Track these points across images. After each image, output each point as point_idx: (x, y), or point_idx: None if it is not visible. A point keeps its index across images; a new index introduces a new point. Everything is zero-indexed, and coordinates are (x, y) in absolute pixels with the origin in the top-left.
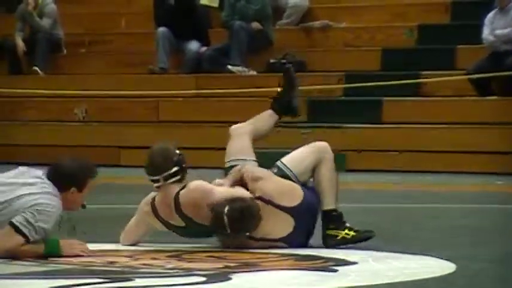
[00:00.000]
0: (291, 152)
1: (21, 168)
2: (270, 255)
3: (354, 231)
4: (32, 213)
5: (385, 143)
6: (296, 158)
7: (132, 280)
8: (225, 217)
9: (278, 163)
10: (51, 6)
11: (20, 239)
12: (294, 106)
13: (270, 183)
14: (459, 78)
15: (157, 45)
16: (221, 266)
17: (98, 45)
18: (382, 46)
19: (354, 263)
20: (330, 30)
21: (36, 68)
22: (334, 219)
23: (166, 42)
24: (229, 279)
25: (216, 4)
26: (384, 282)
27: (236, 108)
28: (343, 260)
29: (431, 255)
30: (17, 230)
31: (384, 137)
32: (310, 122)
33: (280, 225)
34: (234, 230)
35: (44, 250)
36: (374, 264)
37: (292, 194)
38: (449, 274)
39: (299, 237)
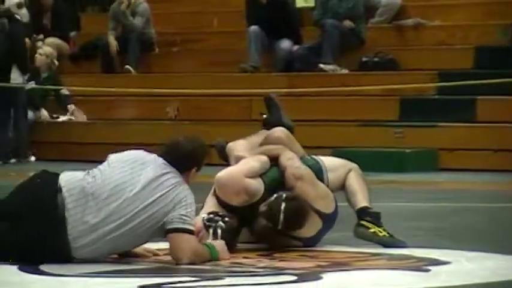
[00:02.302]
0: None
1: (132, 156)
2: (361, 255)
3: (388, 233)
4: (185, 208)
5: (478, 142)
6: (332, 163)
7: (222, 279)
8: (282, 214)
9: (317, 158)
10: (143, 6)
11: (193, 238)
12: (286, 122)
13: (310, 185)
14: None
15: (249, 43)
16: (312, 266)
17: (190, 44)
18: (475, 44)
19: (447, 262)
20: (423, 28)
21: (129, 67)
22: (371, 214)
23: (258, 40)
24: (320, 278)
25: (312, 3)
26: (477, 282)
27: (328, 107)
28: (436, 259)
29: None
30: (187, 231)
31: (478, 135)
32: (402, 121)
33: (308, 226)
34: (286, 227)
35: (210, 255)
36: (467, 264)
37: (328, 201)
38: None
39: (312, 243)
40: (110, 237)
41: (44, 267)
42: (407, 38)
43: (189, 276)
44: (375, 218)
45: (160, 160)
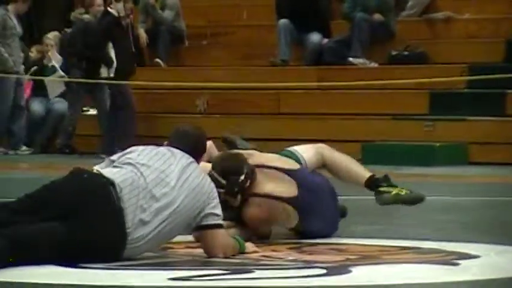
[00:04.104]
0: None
1: (157, 149)
2: (390, 248)
3: (408, 190)
4: (215, 200)
5: (508, 136)
6: (303, 147)
7: (252, 272)
8: (213, 171)
9: (290, 149)
10: None
11: (225, 233)
12: (240, 144)
13: (264, 155)
14: None
15: (278, 37)
16: (342, 259)
17: (220, 37)
18: (506, 37)
19: (476, 256)
20: (453, 21)
21: (159, 60)
22: (382, 179)
23: (287, 34)
24: (350, 271)
25: None
26: (506, 276)
27: (357, 100)
28: (465, 253)
29: None
30: (220, 226)
31: (508, 129)
32: (432, 115)
33: (283, 186)
34: (224, 174)
35: (240, 248)
36: (496, 258)
37: (283, 161)
38: None
39: (314, 218)
40: (159, 230)
41: None
42: (438, 31)
43: (218, 269)
44: (388, 181)
45: (178, 150)
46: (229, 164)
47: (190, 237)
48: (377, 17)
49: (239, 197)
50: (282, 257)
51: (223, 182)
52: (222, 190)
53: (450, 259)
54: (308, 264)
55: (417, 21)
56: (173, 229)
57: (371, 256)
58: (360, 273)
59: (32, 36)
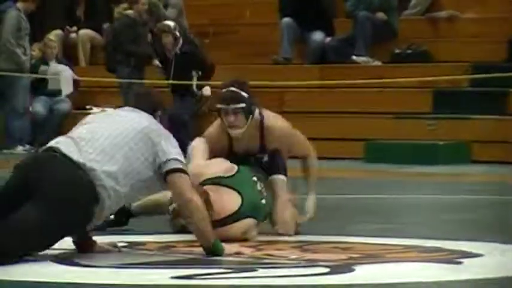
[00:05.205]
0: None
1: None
2: (393, 247)
3: None
4: (174, 145)
5: (511, 135)
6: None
7: (255, 270)
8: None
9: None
10: None
11: (187, 177)
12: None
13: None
14: None
15: (281, 35)
16: (345, 258)
17: (223, 36)
18: (509, 37)
19: (479, 255)
20: (456, 20)
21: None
22: None
23: (290, 32)
24: (353, 270)
25: None
26: (510, 275)
27: (360, 99)
28: (468, 252)
29: None
30: (184, 171)
31: (511, 128)
32: (435, 113)
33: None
34: (243, 88)
35: (214, 243)
36: (500, 257)
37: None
38: None
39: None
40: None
41: (77, 259)
42: (441, 30)
43: (221, 267)
44: None
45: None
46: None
47: (192, 236)
48: (380, 15)
49: (251, 117)
50: (285, 255)
51: (245, 94)
52: (241, 104)
53: (453, 258)
54: (311, 263)
55: (420, 19)
56: (129, 165)
57: (374, 255)
58: (363, 272)
59: (34, 34)
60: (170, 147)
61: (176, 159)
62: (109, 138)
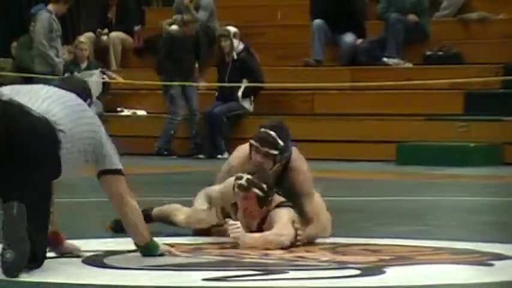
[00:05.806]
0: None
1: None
2: (424, 249)
3: None
4: (110, 145)
5: None
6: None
7: (286, 272)
8: (269, 131)
9: None
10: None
11: (123, 178)
12: None
13: None
14: None
15: (313, 37)
16: (375, 260)
17: (254, 38)
18: None
19: (511, 257)
20: (488, 21)
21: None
22: None
23: (322, 34)
24: (384, 272)
25: None
26: None
27: (392, 100)
28: (500, 254)
29: None
30: (122, 173)
31: None
32: (467, 115)
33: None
34: (282, 137)
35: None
36: None
37: None
38: None
39: None
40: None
41: (107, 260)
42: (472, 31)
43: (253, 269)
44: None
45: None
46: (286, 132)
47: (223, 239)
48: (411, 17)
49: (279, 164)
50: (316, 257)
51: (281, 142)
52: (274, 151)
53: (484, 260)
54: (342, 265)
55: (452, 21)
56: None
57: (405, 257)
58: (394, 274)
59: (66, 37)
60: (109, 145)
61: (114, 159)
62: (62, 105)
